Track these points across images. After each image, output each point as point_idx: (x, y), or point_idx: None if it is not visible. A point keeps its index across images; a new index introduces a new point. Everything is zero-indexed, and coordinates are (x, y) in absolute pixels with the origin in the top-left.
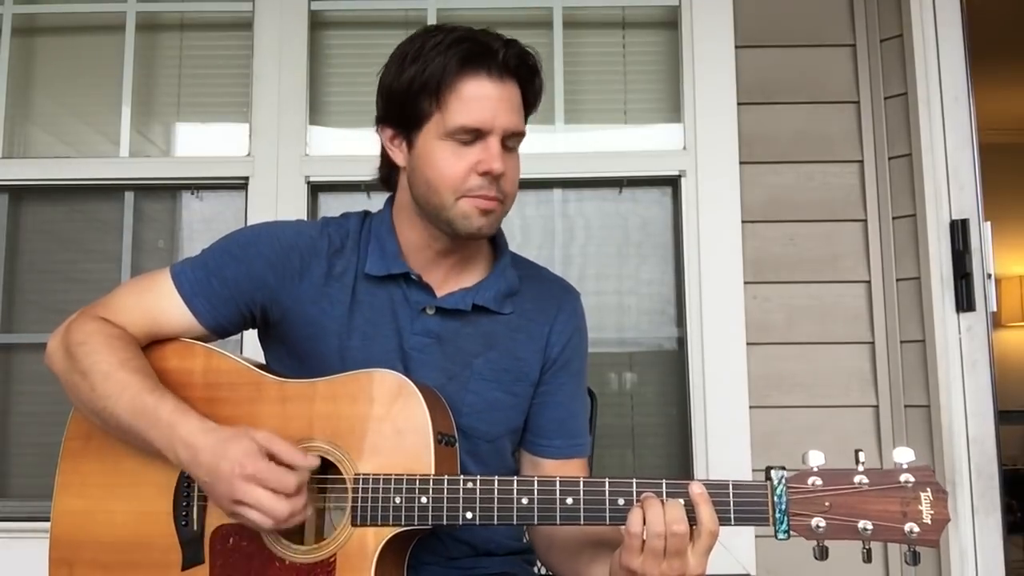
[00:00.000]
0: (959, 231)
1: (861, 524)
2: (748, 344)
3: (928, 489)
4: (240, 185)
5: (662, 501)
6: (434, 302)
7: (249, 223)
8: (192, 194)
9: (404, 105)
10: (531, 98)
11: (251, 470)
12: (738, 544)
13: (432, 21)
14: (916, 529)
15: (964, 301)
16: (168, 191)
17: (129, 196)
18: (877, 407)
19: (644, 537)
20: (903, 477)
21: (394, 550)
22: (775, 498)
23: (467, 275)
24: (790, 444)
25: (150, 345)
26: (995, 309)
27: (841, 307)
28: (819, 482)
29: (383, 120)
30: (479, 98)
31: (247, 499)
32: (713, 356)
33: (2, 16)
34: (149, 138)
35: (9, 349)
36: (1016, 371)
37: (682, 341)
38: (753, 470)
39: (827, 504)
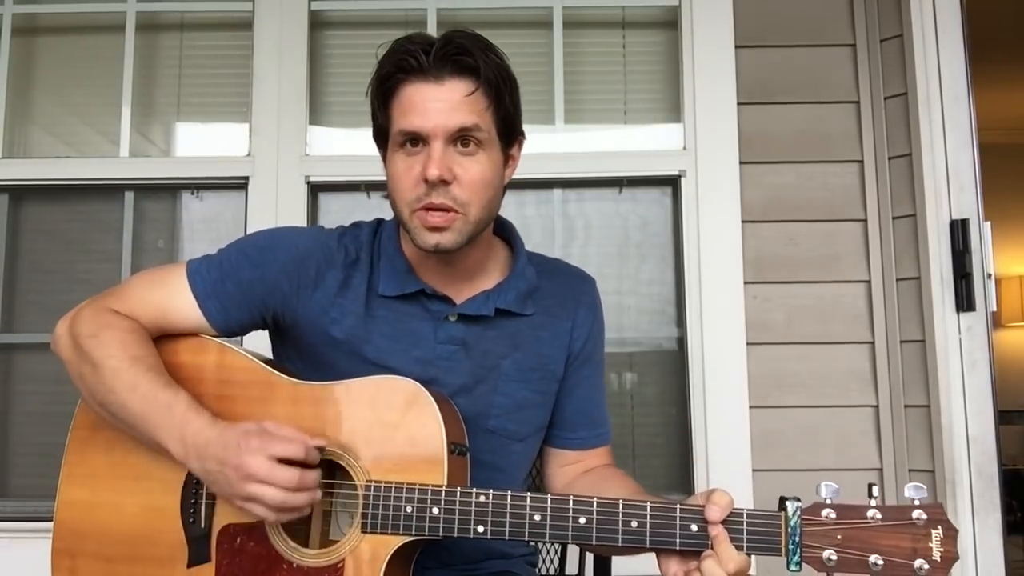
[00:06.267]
0: (959, 231)
1: (872, 558)
2: (748, 344)
3: (939, 527)
4: (240, 185)
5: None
6: (455, 310)
7: (249, 223)
8: (192, 194)
9: (374, 119)
10: (490, 90)
11: (253, 470)
12: None
13: (432, 21)
14: (925, 566)
15: (964, 301)
16: (168, 191)
17: (129, 196)
18: (877, 407)
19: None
20: (915, 514)
21: (402, 556)
22: (789, 529)
23: (484, 278)
24: (790, 444)
25: (163, 338)
26: (995, 309)
27: (841, 307)
28: (832, 515)
29: (374, 138)
30: (414, 101)
31: (253, 494)
32: (713, 356)
33: (2, 16)
34: (149, 138)
35: (9, 349)
36: (1016, 371)
37: (682, 341)
38: (753, 470)
39: (839, 537)
